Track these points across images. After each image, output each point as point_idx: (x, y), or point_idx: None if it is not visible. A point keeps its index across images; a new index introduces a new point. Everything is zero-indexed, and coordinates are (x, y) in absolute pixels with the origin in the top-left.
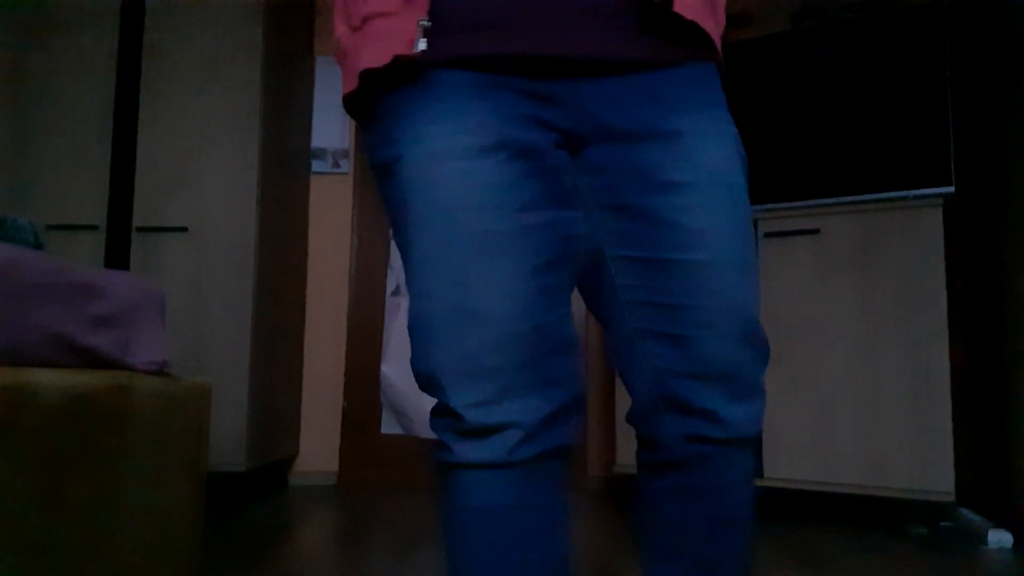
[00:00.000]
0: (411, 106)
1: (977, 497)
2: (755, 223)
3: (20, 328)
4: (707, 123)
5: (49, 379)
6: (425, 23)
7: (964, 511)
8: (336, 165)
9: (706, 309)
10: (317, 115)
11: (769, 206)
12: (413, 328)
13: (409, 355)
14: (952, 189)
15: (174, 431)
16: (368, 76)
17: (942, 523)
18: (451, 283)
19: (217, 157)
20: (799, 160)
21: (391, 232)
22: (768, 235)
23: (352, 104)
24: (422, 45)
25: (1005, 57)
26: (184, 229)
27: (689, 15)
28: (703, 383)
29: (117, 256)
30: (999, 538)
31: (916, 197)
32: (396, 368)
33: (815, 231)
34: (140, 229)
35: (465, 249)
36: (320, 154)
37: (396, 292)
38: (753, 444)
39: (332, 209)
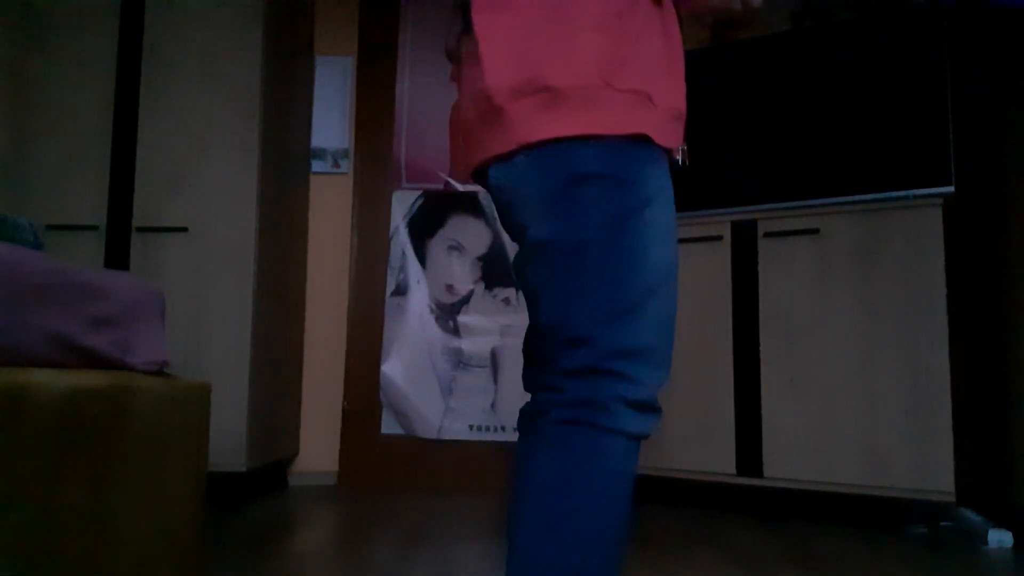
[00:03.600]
0: (653, 161)
1: (977, 497)
2: (755, 223)
3: (20, 328)
4: None
5: (49, 379)
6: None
7: (964, 511)
8: (336, 165)
9: None
10: (317, 115)
11: (769, 206)
12: (666, 318)
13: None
14: (952, 189)
15: (174, 431)
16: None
17: (942, 523)
18: (673, 293)
19: (217, 157)
20: (799, 160)
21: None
22: (768, 235)
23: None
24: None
25: (1005, 57)
26: (184, 229)
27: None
28: None
29: (117, 256)
30: (999, 538)
31: (916, 197)
32: (396, 368)
33: (815, 231)
34: (140, 229)
35: (676, 270)
36: (320, 154)
37: (396, 292)
38: None
39: (332, 209)
